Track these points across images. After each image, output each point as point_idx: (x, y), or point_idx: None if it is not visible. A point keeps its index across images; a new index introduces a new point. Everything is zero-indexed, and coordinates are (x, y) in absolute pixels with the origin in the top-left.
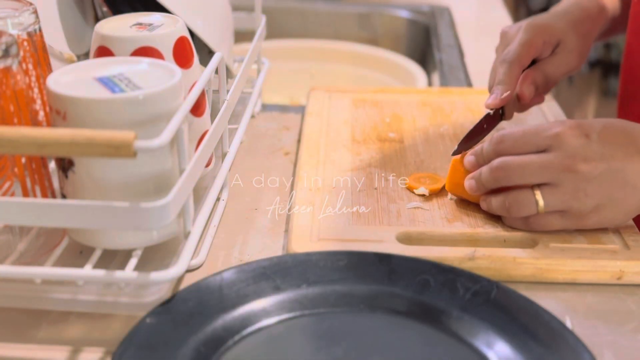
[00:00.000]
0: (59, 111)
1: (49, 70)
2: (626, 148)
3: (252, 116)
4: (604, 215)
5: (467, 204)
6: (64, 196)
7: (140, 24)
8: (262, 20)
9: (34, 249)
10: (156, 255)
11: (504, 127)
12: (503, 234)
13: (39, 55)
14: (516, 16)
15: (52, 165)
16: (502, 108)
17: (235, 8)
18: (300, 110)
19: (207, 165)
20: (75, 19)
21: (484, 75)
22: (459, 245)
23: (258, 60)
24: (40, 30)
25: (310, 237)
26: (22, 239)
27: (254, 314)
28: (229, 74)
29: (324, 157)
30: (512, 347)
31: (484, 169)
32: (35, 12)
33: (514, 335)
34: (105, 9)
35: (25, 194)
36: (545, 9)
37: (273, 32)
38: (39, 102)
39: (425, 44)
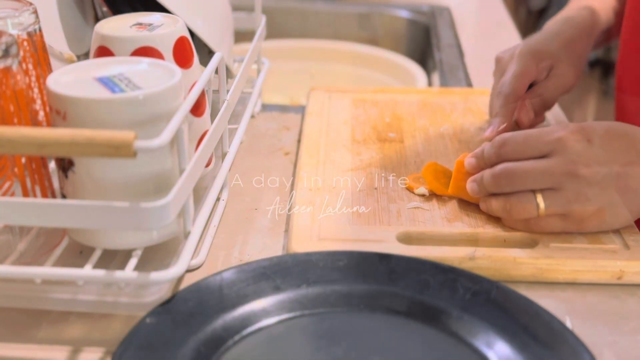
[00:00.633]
0: (59, 111)
1: (49, 70)
2: (628, 153)
3: (252, 116)
4: (604, 219)
5: (468, 204)
6: (64, 196)
7: (140, 24)
8: (262, 20)
9: (34, 249)
10: (156, 255)
11: None
12: (503, 234)
13: (39, 55)
14: (516, 16)
15: (52, 165)
16: None
17: (235, 8)
18: (300, 110)
19: (207, 165)
20: (75, 19)
21: (484, 75)
22: (459, 245)
23: (258, 60)
24: (40, 30)
25: (311, 237)
26: (22, 239)
27: (254, 314)
28: (229, 74)
29: (324, 157)
30: (512, 347)
31: (486, 174)
32: (35, 12)
33: (514, 335)
34: (105, 9)
35: (25, 194)
36: (545, 9)
37: (273, 32)
38: (39, 102)
39: (425, 44)
